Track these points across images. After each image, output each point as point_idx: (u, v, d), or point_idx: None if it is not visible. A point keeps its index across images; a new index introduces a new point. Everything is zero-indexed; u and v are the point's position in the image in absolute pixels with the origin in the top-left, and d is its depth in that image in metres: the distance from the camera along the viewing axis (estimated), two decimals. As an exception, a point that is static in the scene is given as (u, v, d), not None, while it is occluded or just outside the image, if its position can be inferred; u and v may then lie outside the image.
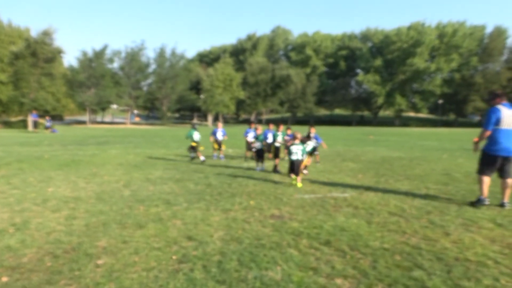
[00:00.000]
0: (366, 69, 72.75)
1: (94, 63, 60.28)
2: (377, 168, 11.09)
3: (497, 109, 6.36)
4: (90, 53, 61.03)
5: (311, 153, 11.46)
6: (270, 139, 10.93)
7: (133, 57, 63.89)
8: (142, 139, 25.93)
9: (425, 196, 7.09)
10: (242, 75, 64.70)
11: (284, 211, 6.00)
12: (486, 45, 68.71)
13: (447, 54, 67.49)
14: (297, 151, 8.36)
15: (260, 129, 11.10)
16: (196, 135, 12.62)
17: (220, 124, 13.51)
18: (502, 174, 6.42)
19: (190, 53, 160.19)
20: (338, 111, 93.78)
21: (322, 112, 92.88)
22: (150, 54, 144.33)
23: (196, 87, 67.16)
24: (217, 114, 68.19)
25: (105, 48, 61.95)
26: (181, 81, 64.40)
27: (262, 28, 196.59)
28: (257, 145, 10.49)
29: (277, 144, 10.48)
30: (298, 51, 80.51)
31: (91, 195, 7.11)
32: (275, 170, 9.99)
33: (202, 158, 12.27)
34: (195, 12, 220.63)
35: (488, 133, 6.43)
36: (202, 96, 61.49)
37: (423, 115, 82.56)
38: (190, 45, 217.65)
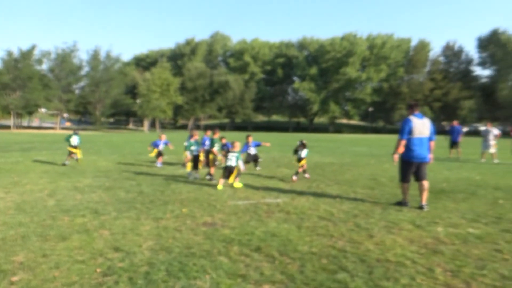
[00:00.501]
0: (302, 77, 75.04)
1: (20, 64, 56.30)
2: (309, 173, 11.41)
3: (409, 119, 7.04)
4: (16, 53, 56.97)
5: (255, 160, 11.67)
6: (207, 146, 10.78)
7: (64, 59, 60.60)
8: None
9: (353, 200, 7.42)
10: (180, 80, 63.82)
11: (216, 218, 5.96)
12: (411, 57, 73.80)
13: (376, 65, 71.58)
14: (232, 158, 8.58)
15: (197, 135, 10.88)
16: (74, 140, 13.08)
17: (163, 136, 13.32)
18: (418, 177, 7.06)
19: (126, 56, 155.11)
20: (275, 117, 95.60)
21: (260, 118, 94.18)
22: (83, 56, 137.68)
23: (132, 91, 65.15)
24: (154, 119, 66.59)
25: (33, 48, 58.28)
26: (116, 85, 62.16)
27: (201, 34, 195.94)
28: (194, 151, 10.32)
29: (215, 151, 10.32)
30: (236, 58, 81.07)
31: (10, 206, 6.60)
32: (209, 177, 9.89)
33: (66, 162, 12.68)
34: (132, 14, 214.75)
35: (403, 142, 6.99)
36: (138, 100, 59.74)
37: (355, 122, 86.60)
38: (126, 48, 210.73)
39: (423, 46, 74.76)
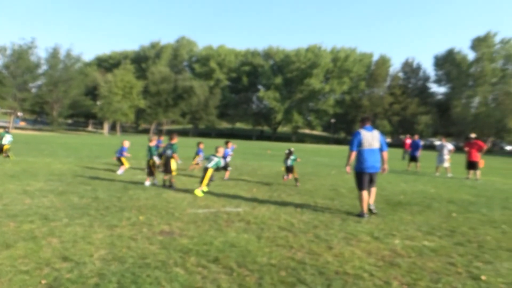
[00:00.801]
0: (267, 86, 75.63)
1: (-30, 59, 53.41)
2: (271, 183, 11.40)
3: (358, 132, 7.46)
4: (-34, 47, 53.99)
5: (225, 168, 11.53)
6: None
7: (20, 55, 57.95)
8: (25, 145, 23.44)
9: (313, 211, 7.43)
10: (143, 83, 62.55)
11: (174, 226, 5.79)
12: (373, 71, 76.12)
13: (339, 77, 73.29)
14: (212, 159, 8.97)
15: (155, 140, 10.51)
16: (6, 139, 13.94)
17: (126, 143, 12.85)
18: (369, 185, 7.53)
19: (88, 57, 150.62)
20: (239, 125, 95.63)
21: (224, 125, 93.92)
22: (41, 54, 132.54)
23: (92, 92, 63.22)
24: (115, 122, 64.88)
25: (-15, 42, 55.27)
26: (76, 85, 60.10)
27: (166, 37, 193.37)
28: (155, 158, 10.02)
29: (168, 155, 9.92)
30: (202, 63, 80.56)
31: (-51, 210, 6.14)
32: (170, 185, 9.59)
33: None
34: (94, 14, 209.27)
35: (353, 153, 7.45)
36: (98, 102, 57.98)
37: (317, 132, 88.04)
38: (88, 47, 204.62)
39: (383, 62, 77.36)
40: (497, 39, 67.25)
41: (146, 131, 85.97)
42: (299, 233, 5.73)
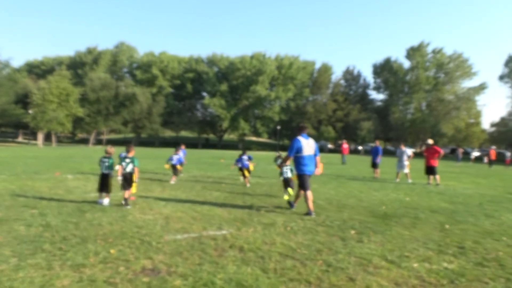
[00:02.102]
0: (212, 93, 74.37)
1: None
2: (242, 196, 10.49)
3: (297, 139, 8.28)
4: None
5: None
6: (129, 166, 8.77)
7: None
8: None
9: (305, 230, 6.64)
10: (81, 90, 58.67)
11: (157, 261, 4.72)
12: (316, 78, 77.65)
13: (284, 84, 73.86)
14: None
15: (112, 151, 9.10)
16: None
17: (111, 150, 11.15)
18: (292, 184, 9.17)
19: (17, 62, 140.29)
20: (184, 133, 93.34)
21: (168, 133, 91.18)
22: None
23: (23, 100, 58.13)
24: (49, 132, 60.32)
25: None
26: (4, 92, 54.89)
27: (104, 42, 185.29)
28: (106, 171, 8.67)
29: (128, 170, 8.45)
30: (144, 70, 77.46)
31: None
32: (126, 203, 8.26)
33: None
34: (22, 16, 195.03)
35: (290, 158, 8.51)
36: (31, 111, 53.35)
37: (263, 139, 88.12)
38: (16, 52, 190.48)
39: (326, 69, 79.20)
40: (430, 48, 71.43)
41: (83, 141, 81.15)
42: (306, 261, 4.90)
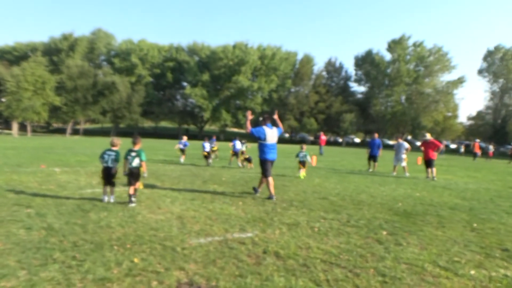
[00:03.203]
0: (193, 83, 72.93)
1: None
2: (247, 191, 9.92)
3: (262, 128, 8.92)
4: None
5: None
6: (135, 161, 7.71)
7: None
8: None
9: (335, 231, 6.14)
10: (57, 78, 56.32)
11: (191, 272, 4.12)
12: (298, 70, 77.24)
13: (267, 75, 73.08)
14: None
15: (119, 144, 8.18)
16: None
17: (118, 141, 9.97)
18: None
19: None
20: (164, 124, 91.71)
21: (148, 124, 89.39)
22: None
23: (-5, 88, 55.58)
24: (22, 122, 57.88)
25: None
26: (-26, 79, 52.37)
27: (80, 29, 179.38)
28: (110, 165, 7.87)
29: (134, 165, 7.62)
30: (122, 58, 75.08)
31: None
32: (130, 200, 7.52)
33: None
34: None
35: (248, 128, 8.82)
36: (4, 99, 50.92)
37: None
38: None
39: (308, 61, 78.82)
40: (410, 42, 71.99)
41: (59, 131, 78.60)
42: (356, 270, 4.40)
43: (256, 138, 8.95)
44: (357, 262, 4.67)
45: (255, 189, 9.44)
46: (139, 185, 7.63)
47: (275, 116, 9.70)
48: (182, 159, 18.58)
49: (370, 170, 17.47)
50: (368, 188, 11.40)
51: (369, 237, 5.85)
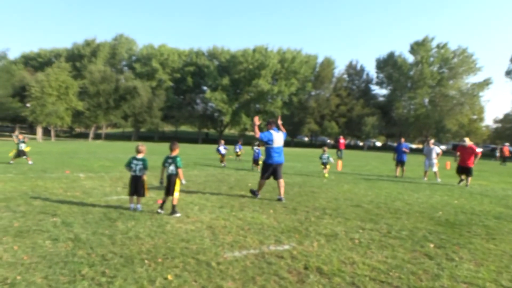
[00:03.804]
0: (213, 87, 73.02)
1: None
2: (276, 198, 9.52)
3: (270, 132, 9.27)
4: None
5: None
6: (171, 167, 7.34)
7: None
8: None
9: (376, 244, 5.69)
10: (80, 83, 57.16)
11: (230, 291, 3.75)
12: (318, 73, 76.45)
13: (287, 79, 72.55)
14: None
15: (144, 151, 7.82)
16: None
17: (143, 148, 9.48)
18: (276, 177, 9.28)
19: (13, 54, 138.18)
20: (184, 128, 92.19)
21: (168, 128, 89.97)
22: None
23: (20, 94, 56.68)
24: (46, 127, 58.89)
25: None
26: (1, 85, 53.55)
27: (102, 35, 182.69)
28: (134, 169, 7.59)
29: (169, 172, 7.24)
30: (143, 63, 75.88)
31: None
32: (172, 211, 7.12)
33: None
34: (17, 8, 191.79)
35: (257, 131, 8.88)
36: (29, 104, 51.90)
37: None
38: (11, 44, 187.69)
39: (328, 64, 77.95)
40: (434, 43, 70.47)
41: (82, 136, 79.83)
42: (412, 290, 3.95)
43: (265, 143, 9.27)
44: (410, 280, 4.23)
45: (253, 192, 9.60)
46: (176, 193, 7.22)
47: (279, 122, 10.00)
48: (224, 163, 19.15)
49: (397, 175, 16.78)
50: (401, 195, 10.86)
51: (416, 251, 5.39)
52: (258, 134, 8.95)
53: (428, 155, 16.12)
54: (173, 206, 7.14)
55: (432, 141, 16.83)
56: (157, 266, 4.35)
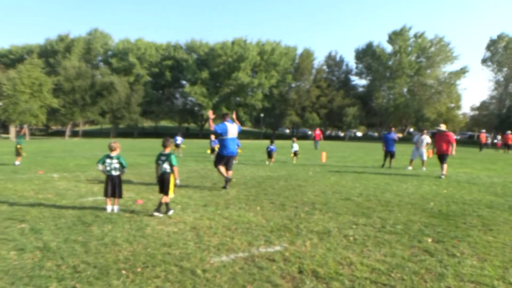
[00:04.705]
0: (193, 81, 71.98)
1: None
2: (262, 193, 9.13)
3: (224, 124, 9.68)
4: None
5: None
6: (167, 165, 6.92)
7: None
8: None
9: (372, 240, 5.36)
10: (54, 79, 55.35)
11: (219, 305, 3.33)
12: (298, 64, 76.18)
13: (267, 71, 72.02)
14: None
15: (118, 147, 7.32)
16: None
17: (116, 145, 8.77)
18: (227, 168, 9.76)
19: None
20: (163, 123, 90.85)
21: (147, 123, 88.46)
22: None
23: (-8, 92, 54.51)
24: (21, 125, 56.91)
25: None
26: (-30, 83, 51.27)
27: (76, 30, 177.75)
28: (101, 168, 7.08)
29: (163, 170, 6.80)
30: (120, 58, 74.07)
31: None
32: (167, 210, 6.77)
33: None
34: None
35: (212, 126, 9.52)
36: (0, 103, 49.98)
37: (247, 128, 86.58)
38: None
39: (308, 55, 77.70)
40: (411, 33, 71.04)
41: (58, 133, 77.70)
42: (418, 293, 3.61)
43: (219, 135, 9.74)
44: (413, 282, 3.89)
45: (226, 183, 9.75)
46: (170, 192, 6.75)
47: (233, 116, 10.78)
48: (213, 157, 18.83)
49: (384, 166, 16.59)
50: (389, 186, 10.62)
51: (415, 247, 5.07)
52: (212, 127, 9.48)
53: (418, 144, 15.94)
54: (166, 204, 6.74)
55: (425, 131, 16.60)
56: (136, 277, 3.89)
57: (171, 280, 3.85)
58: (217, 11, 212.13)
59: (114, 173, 6.88)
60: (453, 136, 13.48)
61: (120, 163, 6.93)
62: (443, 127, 13.98)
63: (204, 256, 4.56)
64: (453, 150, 13.31)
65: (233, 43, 71.85)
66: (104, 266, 4.18)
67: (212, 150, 19.54)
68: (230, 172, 9.83)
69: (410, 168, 15.69)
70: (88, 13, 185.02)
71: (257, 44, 74.55)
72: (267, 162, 17.29)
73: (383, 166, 16.55)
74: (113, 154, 6.92)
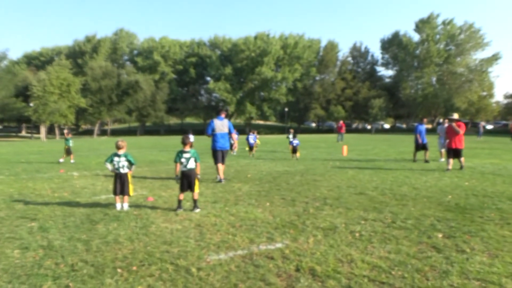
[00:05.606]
0: (216, 77, 72.41)
1: None
2: (275, 188, 9.03)
3: (212, 121, 10.33)
4: None
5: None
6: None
7: None
8: None
9: (378, 236, 5.17)
10: (82, 80, 56.86)
11: (207, 304, 3.27)
12: (322, 57, 75.34)
13: (290, 64, 71.59)
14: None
15: (125, 146, 7.49)
16: None
17: (123, 143, 8.76)
18: (221, 161, 10.19)
19: (15, 54, 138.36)
20: (189, 120, 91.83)
21: (173, 121, 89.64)
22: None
23: (23, 93, 56.43)
24: (52, 125, 58.82)
25: None
26: (3, 86, 53.32)
27: (103, 30, 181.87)
28: (109, 167, 7.20)
29: (189, 167, 6.88)
30: (145, 57, 75.43)
31: None
32: (194, 206, 6.85)
33: None
34: (18, 8, 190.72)
35: (210, 136, 10.32)
36: (32, 104, 51.71)
37: (271, 122, 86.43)
38: (13, 44, 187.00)
39: (332, 47, 76.74)
40: (439, 20, 68.89)
41: (88, 133, 79.89)
42: (417, 293, 3.43)
43: (211, 133, 10.24)
44: (414, 280, 3.71)
45: (220, 180, 10.13)
46: (195, 188, 6.80)
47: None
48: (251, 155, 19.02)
49: (417, 160, 15.26)
50: (408, 179, 10.31)
51: (423, 243, 4.86)
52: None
53: (442, 133, 15.29)
54: (195, 201, 6.82)
55: (446, 120, 15.93)
56: (130, 276, 3.87)
57: (164, 278, 3.82)
58: (240, 6, 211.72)
59: (123, 171, 6.95)
60: (463, 126, 12.34)
61: (128, 161, 7.00)
62: (455, 116, 13.08)
63: (202, 254, 4.51)
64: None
65: (255, 37, 71.72)
66: (101, 265, 4.19)
67: (251, 147, 19.17)
68: (223, 166, 10.30)
69: (443, 159, 15.05)
70: (114, 14, 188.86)
71: (280, 37, 74.16)
72: (292, 156, 17.12)
73: (414, 161, 15.35)
74: (121, 152, 7.01)
